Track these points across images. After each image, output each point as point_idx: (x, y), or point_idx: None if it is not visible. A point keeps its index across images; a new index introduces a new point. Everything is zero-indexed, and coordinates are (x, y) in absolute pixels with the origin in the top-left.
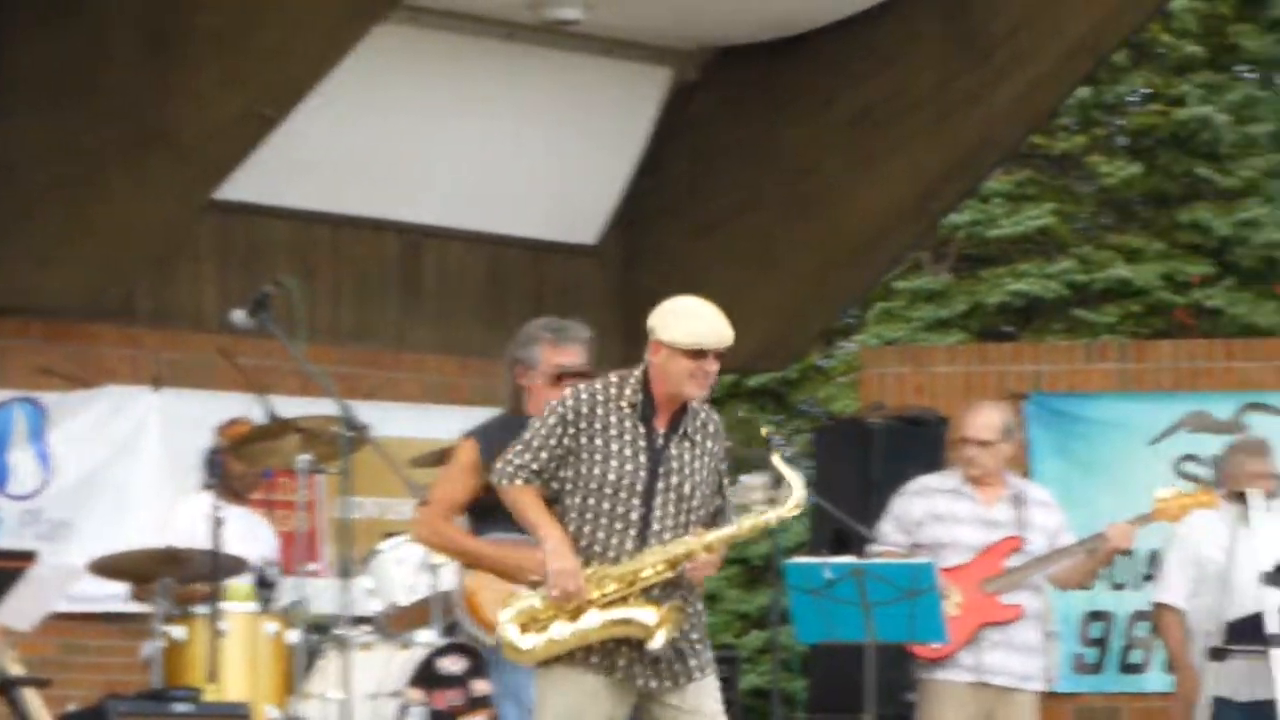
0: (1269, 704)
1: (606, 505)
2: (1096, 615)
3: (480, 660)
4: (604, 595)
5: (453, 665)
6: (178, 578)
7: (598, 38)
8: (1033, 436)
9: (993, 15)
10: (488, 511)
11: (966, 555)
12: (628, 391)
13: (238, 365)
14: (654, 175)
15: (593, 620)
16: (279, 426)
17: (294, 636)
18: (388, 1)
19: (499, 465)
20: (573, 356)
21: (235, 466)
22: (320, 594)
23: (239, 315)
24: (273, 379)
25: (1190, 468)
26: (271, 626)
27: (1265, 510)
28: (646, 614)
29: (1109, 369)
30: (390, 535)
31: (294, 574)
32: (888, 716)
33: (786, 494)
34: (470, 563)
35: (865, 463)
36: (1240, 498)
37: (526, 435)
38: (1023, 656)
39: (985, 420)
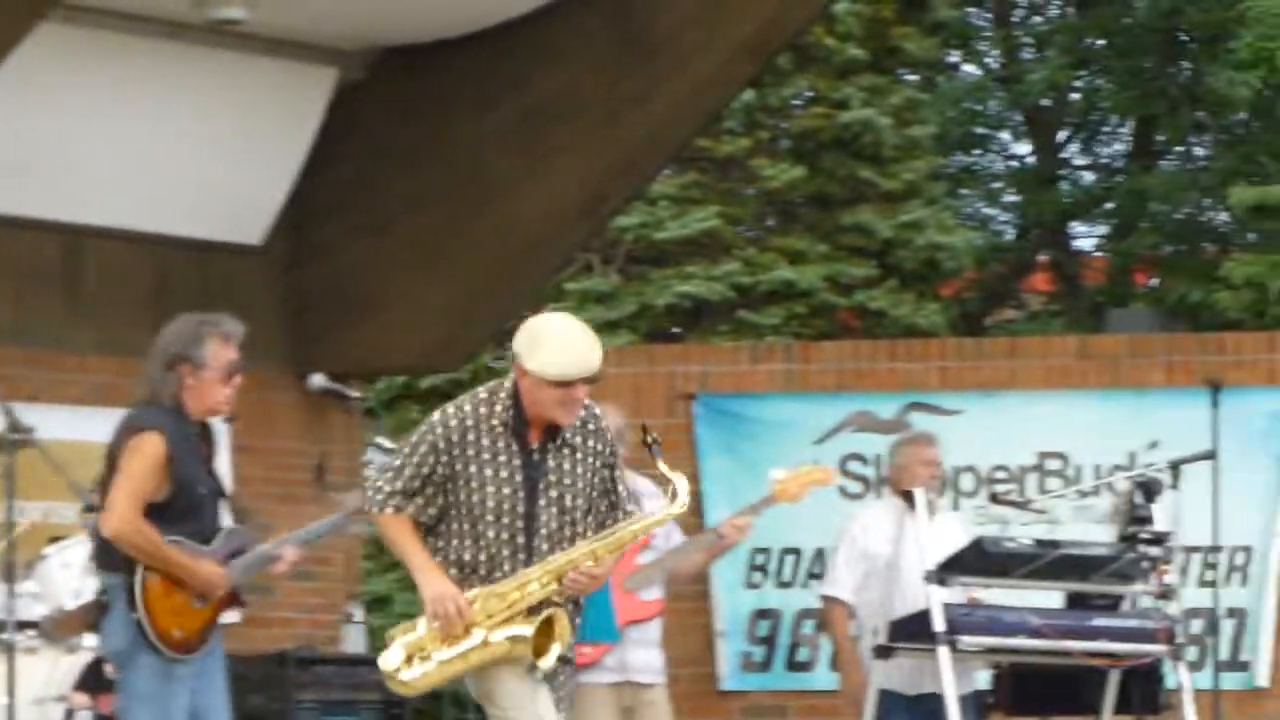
0: (935, 697)
1: (490, 531)
2: (763, 613)
3: None
4: (490, 617)
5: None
6: None
7: (262, 37)
8: (700, 436)
9: (658, 16)
10: (161, 510)
11: None
12: (498, 409)
13: None
14: (321, 175)
15: (475, 641)
16: None
17: None
18: (49, 0)
19: (368, 493)
20: (236, 353)
21: None
22: None
23: None
24: None
25: (855, 466)
26: None
27: (933, 508)
28: (530, 630)
29: (774, 370)
30: (56, 539)
31: None
32: None
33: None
34: (162, 566)
35: None
36: (908, 496)
37: (396, 463)
38: (658, 651)
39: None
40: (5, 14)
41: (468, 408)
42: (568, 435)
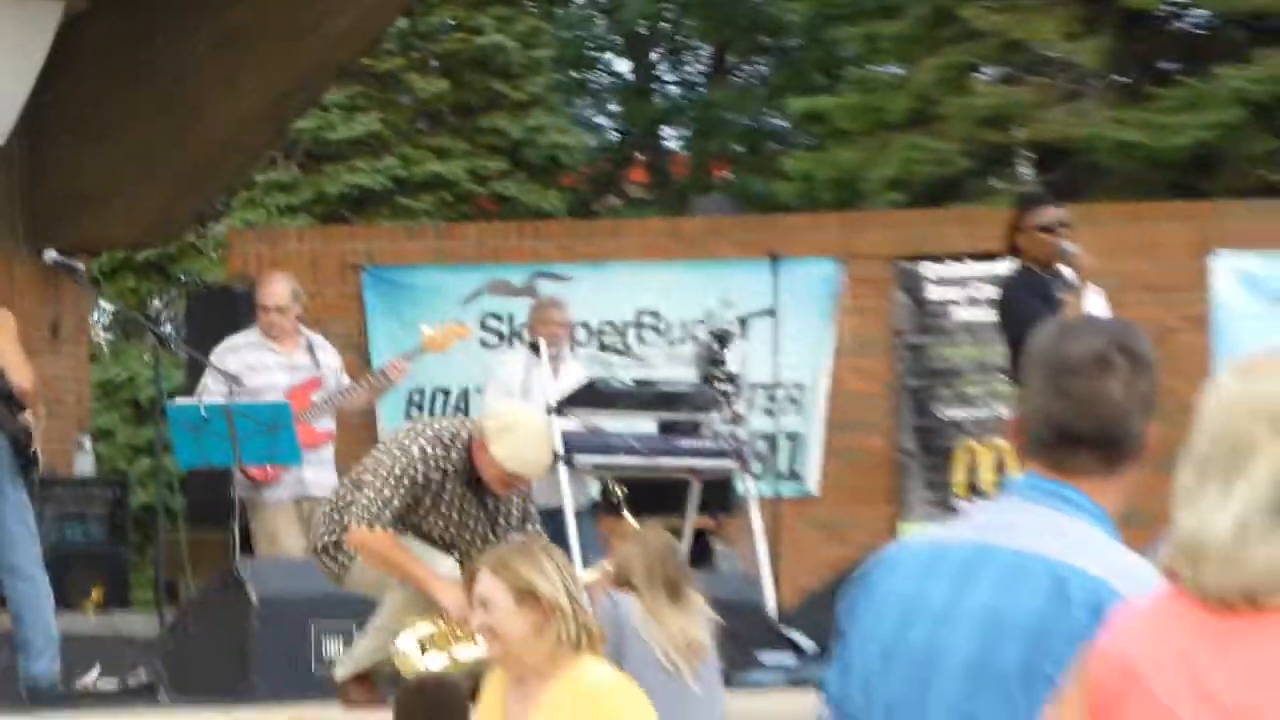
0: (558, 511)
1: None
2: None
3: None
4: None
5: None
6: None
7: None
8: (368, 300)
9: None
10: None
11: (280, 395)
12: (454, 456)
13: None
14: (54, 91)
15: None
16: None
17: None
18: None
19: (360, 511)
20: None
21: None
22: None
23: None
24: None
25: (493, 323)
26: None
27: (559, 356)
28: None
29: (427, 246)
30: None
31: None
32: (240, 529)
33: None
34: None
35: (234, 323)
36: (535, 347)
37: (381, 489)
38: (331, 470)
39: (276, 289)
40: None
41: (432, 460)
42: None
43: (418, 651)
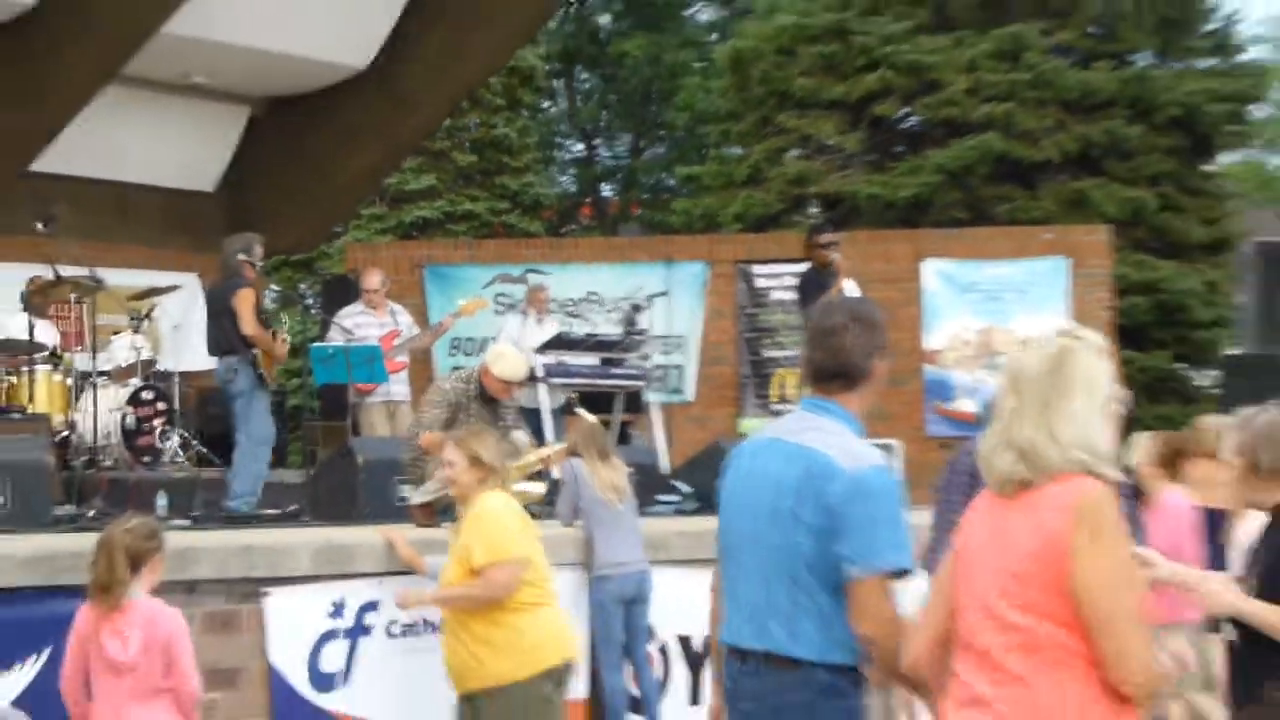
0: (537, 411)
1: None
2: (457, 366)
3: None
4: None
5: None
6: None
7: (212, 88)
8: (428, 286)
9: None
10: None
11: (375, 341)
12: (471, 387)
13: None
14: (244, 158)
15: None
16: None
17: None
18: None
19: (422, 427)
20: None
21: (35, 299)
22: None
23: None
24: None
25: (502, 299)
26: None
27: (542, 319)
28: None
29: (463, 254)
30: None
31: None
32: (352, 420)
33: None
34: None
35: (347, 299)
36: (526, 312)
37: (432, 410)
38: (405, 385)
39: (373, 279)
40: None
41: (459, 385)
42: (508, 401)
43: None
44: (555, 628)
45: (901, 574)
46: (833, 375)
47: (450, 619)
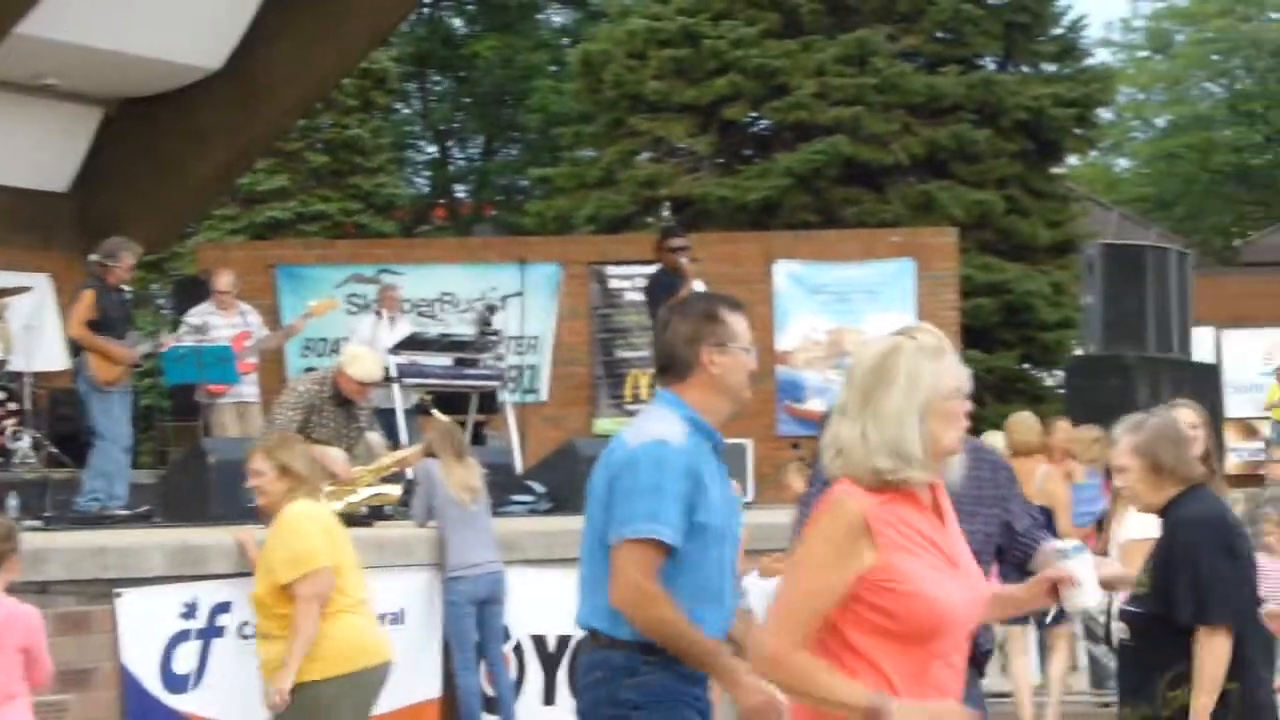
0: (391, 411)
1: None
2: (310, 368)
3: None
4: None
5: None
6: None
7: (65, 90)
8: (279, 286)
9: None
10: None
11: (226, 342)
12: (325, 390)
13: None
14: (96, 159)
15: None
16: None
17: None
18: None
19: (276, 427)
20: None
21: None
22: None
23: None
24: None
25: (355, 299)
26: None
27: (394, 319)
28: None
29: (315, 254)
30: None
31: None
32: (204, 421)
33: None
34: None
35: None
36: (379, 314)
37: (287, 413)
38: (255, 386)
39: (224, 279)
40: None
41: (315, 387)
42: (360, 403)
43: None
44: (354, 634)
45: (658, 545)
46: (663, 368)
47: (261, 621)
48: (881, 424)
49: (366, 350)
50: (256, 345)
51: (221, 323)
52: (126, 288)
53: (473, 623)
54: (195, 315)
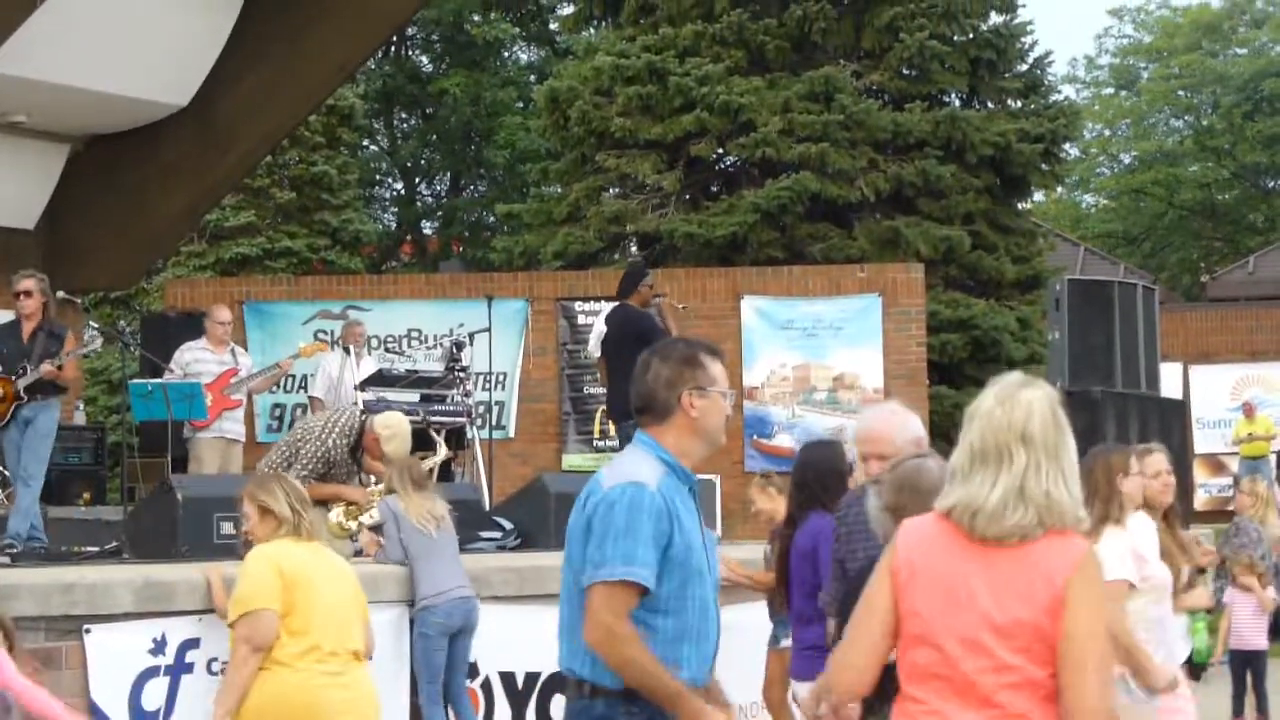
0: None
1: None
2: (278, 405)
3: None
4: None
5: None
6: None
7: (33, 128)
8: (247, 322)
9: None
10: None
11: (212, 378)
12: (349, 441)
13: None
14: (64, 195)
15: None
16: None
17: None
18: None
19: (299, 475)
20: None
21: None
22: None
23: None
24: None
25: (322, 335)
26: None
27: (361, 355)
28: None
29: (282, 290)
30: None
31: None
32: (182, 455)
33: None
34: None
35: (167, 335)
36: (346, 350)
37: (310, 464)
38: (239, 423)
39: (224, 314)
40: None
41: (340, 443)
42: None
43: (340, 516)
44: (282, 691)
45: (631, 587)
46: (640, 410)
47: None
48: (1070, 477)
49: (406, 428)
50: (242, 383)
51: (210, 358)
52: (64, 320)
53: (442, 655)
54: (186, 350)
